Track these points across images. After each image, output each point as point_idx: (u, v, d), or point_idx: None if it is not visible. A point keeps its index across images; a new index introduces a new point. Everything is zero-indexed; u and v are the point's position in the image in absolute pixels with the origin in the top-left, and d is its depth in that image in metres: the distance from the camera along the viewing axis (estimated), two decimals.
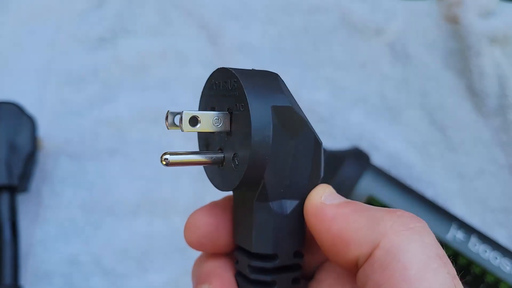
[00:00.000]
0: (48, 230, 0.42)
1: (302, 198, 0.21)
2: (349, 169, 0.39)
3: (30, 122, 0.41)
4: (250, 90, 0.19)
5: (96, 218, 0.42)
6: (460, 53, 0.47)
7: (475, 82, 0.46)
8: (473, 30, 0.47)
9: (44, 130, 0.44)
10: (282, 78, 0.21)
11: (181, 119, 0.19)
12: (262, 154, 0.19)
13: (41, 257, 0.41)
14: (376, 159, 0.44)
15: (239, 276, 0.22)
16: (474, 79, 0.46)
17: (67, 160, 0.44)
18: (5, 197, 0.38)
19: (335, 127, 0.46)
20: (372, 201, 0.38)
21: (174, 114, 0.20)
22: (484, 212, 0.44)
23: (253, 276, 0.21)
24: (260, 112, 0.19)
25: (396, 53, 0.48)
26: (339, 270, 0.22)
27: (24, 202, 0.42)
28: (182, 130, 0.19)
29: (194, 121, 0.19)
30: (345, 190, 0.38)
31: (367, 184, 0.38)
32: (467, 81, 0.47)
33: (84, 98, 0.46)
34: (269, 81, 0.20)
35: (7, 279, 0.37)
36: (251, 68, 0.21)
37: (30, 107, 0.43)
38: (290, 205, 0.20)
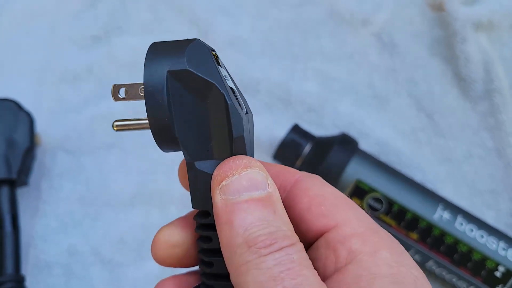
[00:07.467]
0: (48, 223, 0.43)
1: (225, 158, 0.21)
2: (337, 154, 0.40)
3: (27, 118, 0.42)
4: (150, 59, 0.20)
5: (94, 211, 0.44)
6: (446, 40, 0.48)
7: (462, 68, 0.47)
8: (458, 17, 0.47)
9: (41, 127, 0.45)
10: (203, 43, 0.21)
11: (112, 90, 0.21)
12: (159, 115, 0.20)
13: (42, 249, 0.42)
14: (366, 147, 0.45)
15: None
16: (460, 65, 0.47)
17: (64, 155, 0.45)
18: (5, 190, 0.40)
19: (325, 116, 0.47)
20: (360, 185, 0.39)
21: (118, 87, 0.22)
22: (472, 195, 0.44)
23: (197, 231, 0.22)
24: (153, 78, 0.20)
25: (383, 43, 0.49)
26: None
27: (24, 197, 0.44)
28: (114, 100, 0.21)
29: (123, 91, 0.21)
30: (334, 175, 0.39)
31: (355, 169, 0.39)
32: (454, 67, 0.48)
33: (80, 95, 0.48)
34: (177, 47, 0.20)
35: (9, 269, 0.38)
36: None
37: (28, 105, 0.44)
38: (215, 164, 0.21)
